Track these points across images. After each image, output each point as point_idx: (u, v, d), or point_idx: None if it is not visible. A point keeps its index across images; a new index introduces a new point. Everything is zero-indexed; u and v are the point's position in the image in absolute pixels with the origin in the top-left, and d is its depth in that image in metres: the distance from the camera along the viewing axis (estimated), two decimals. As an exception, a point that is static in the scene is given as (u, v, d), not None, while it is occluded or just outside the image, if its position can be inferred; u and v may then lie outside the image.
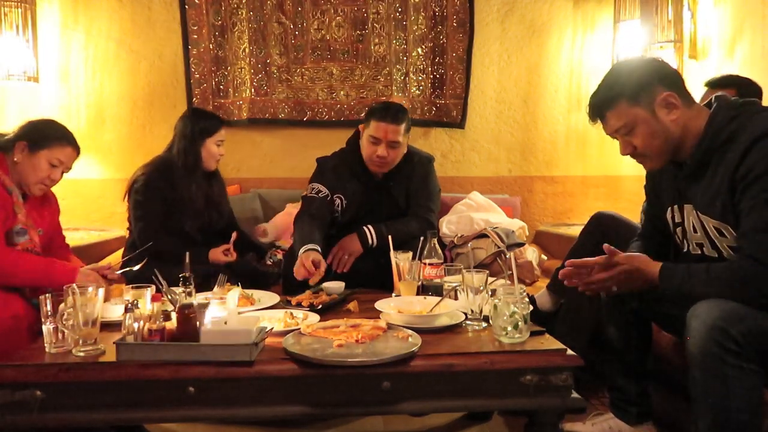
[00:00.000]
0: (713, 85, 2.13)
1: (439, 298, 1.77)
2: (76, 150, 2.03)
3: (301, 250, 2.10)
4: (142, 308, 1.46)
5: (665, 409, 1.86)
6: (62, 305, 1.43)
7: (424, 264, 1.96)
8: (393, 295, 1.98)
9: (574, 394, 1.43)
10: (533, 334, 1.54)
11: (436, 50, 3.37)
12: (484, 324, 1.63)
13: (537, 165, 3.50)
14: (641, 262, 1.53)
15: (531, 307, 1.53)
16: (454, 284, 1.84)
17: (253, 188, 3.23)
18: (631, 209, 2.59)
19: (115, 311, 1.68)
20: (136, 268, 2.02)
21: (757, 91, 2.10)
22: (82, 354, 1.42)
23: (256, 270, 2.45)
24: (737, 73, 2.27)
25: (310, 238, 2.15)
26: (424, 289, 1.94)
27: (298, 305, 1.87)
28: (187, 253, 1.60)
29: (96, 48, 3.25)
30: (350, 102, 3.35)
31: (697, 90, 1.96)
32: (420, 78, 3.38)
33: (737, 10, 2.74)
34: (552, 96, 3.46)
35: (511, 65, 3.44)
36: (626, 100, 1.49)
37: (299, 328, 1.57)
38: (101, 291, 1.46)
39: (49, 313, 1.47)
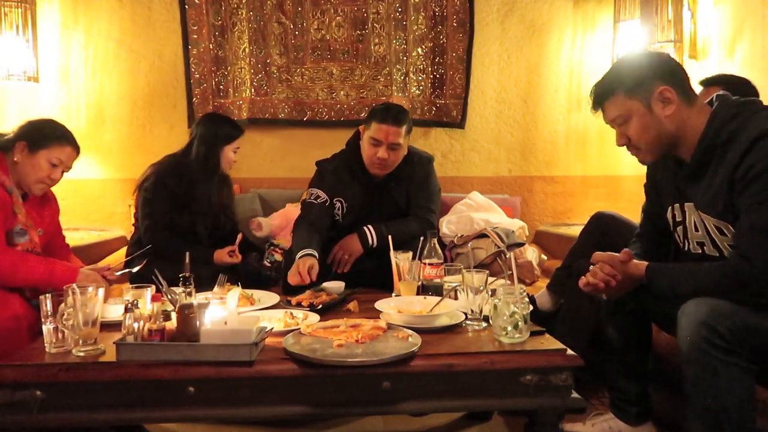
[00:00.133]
0: (705, 83, 2.13)
1: (439, 298, 1.77)
2: (76, 149, 2.03)
3: (298, 255, 2.10)
4: (142, 308, 1.46)
5: (665, 409, 1.86)
6: (62, 305, 1.43)
7: (424, 264, 1.96)
8: (393, 295, 1.98)
9: (574, 394, 1.43)
10: (533, 334, 1.54)
11: (436, 50, 3.37)
12: (484, 324, 1.63)
13: (537, 165, 3.50)
14: (630, 266, 1.56)
15: (531, 307, 1.53)
16: (454, 284, 1.84)
17: (253, 188, 3.23)
18: (631, 209, 2.59)
19: (115, 311, 1.68)
20: (136, 269, 2.03)
21: (752, 90, 2.09)
22: (82, 354, 1.42)
23: (256, 270, 2.46)
24: (737, 74, 2.27)
25: (308, 243, 2.15)
26: (424, 289, 1.94)
27: (298, 305, 1.87)
28: (187, 253, 1.61)
29: (96, 48, 3.25)
30: (350, 102, 3.35)
31: (695, 90, 1.96)
32: (420, 78, 3.38)
33: (737, 10, 2.74)
34: (552, 96, 3.46)
35: (511, 65, 3.44)
36: (624, 92, 1.52)
37: (299, 328, 1.57)
38: (101, 291, 1.46)
39: (49, 313, 1.47)
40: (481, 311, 1.64)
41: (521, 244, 2.71)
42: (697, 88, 2.18)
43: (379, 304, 1.74)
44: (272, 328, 1.55)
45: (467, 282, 1.64)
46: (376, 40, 3.33)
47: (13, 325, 1.68)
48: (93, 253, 2.71)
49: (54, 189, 2.09)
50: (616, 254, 1.57)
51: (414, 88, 3.38)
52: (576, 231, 2.35)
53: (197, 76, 3.29)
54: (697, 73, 2.91)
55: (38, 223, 2.00)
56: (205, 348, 1.38)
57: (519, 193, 3.46)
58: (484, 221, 2.86)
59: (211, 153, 2.40)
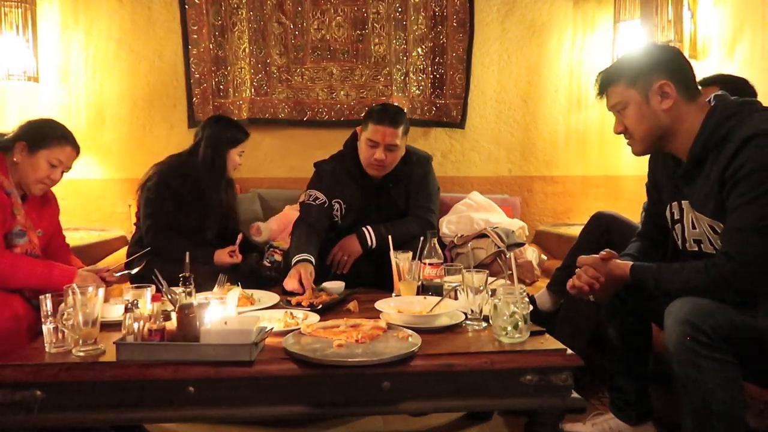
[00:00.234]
0: (703, 83, 2.13)
1: (439, 298, 1.77)
2: (76, 149, 2.03)
3: (294, 260, 2.10)
4: (142, 308, 1.46)
5: (665, 409, 1.86)
6: (62, 305, 1.43)
7: (424, 264, 1.96)
8: (393, 295, 1.97)
9: (574, 394, 1.43)
10: (533, 334, 1.54)
11: (436, 50, 3.37)
12: (484, 324, 1.63)
13: (537, 165, 3.50)
14: (613, 266, 1.59)
15: (531, 307, 1.53)
16: (454, 284, 1.84)
17: (253, 188, 3.23)
18: (631, 209, 2.59)
19: (115, 311, 1.68)
20: (135, 270, 2.03)
21: (750, 91, 2.09)
22: (82, 354, 1.42)
23: (257, 270, 2.46)
24: (737, 74, 2.27)
25: (305, 248, 2.15)
26: (424, 289, 1.94)
27: (298, 305, 1.87)
28: (187, 253, 1.61)
29: (96, 48, 3.25)
30: (350, 102, 3.35)
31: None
32: (420, 78, 3.38)
33: (737, 10, 2.74)
34: (552, 96, 3.46)
35: (511, 65, 3.44)
36: (625, 81, 1.55)
37: (299, 328, 1.57)
38: (101, 291, 1.46)
39: (49, 313, 1.47)
40: (481, 311, 1.64)
41: (521, 244, 2.71)
42: None
43: (379, 304, 1.74)
44: (272, 328, 1.55)
45: (467, 282, 1.63)
46: (376, 40, 3.33)
47: (13, 325, 1.68)
48: (93, 253, 2.71)
49: (54, 189, 2.08)
50: (596, 256, 1.61)
51: (414, 88, 3.38)
52: (576, 231, 2.35)
53: (197, 76, 3.29)
54: (697, 73, 2.91)
55: (38, 224, 1.99)
56: (205, 348, 1.38)
57: (519, 193, 3.46)
58: (484, 221, 2.86)
59: (218, 155, 2.41)
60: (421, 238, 2.00)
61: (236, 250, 2.36)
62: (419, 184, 2.41)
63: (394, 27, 3.31)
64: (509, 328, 1.49)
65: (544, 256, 2.78)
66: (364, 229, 2.29)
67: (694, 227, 1.56)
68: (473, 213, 2.96)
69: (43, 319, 1.48)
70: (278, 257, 2.55)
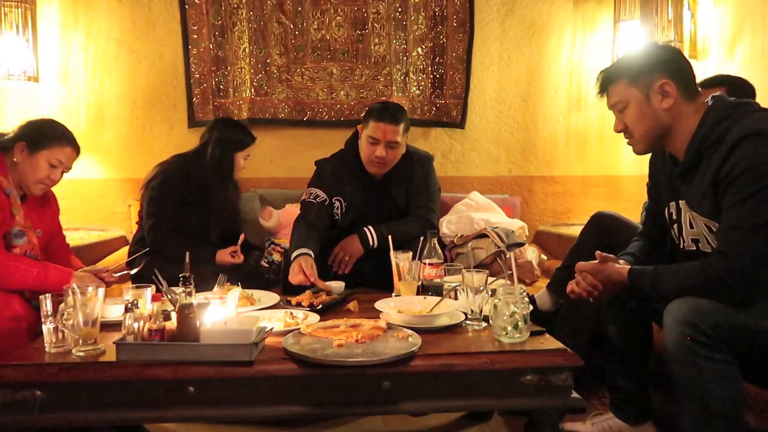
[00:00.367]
0: (704, 85, 2.13)
1: (439, 298, 1.77)
2: (76, 150, 2.03)
3: (294, 254, 2.10)
4: (142, 308, 1.46)
5: (665, 409, 1.86)
6: (62, 305, 1.43)
7: (424, 264, 1.96)
8: (393, 295, 1.98)
9: (574, 394, 1.43)
10: (533, 334, 1.54)
11: (436, 50, 3.37)
12: (484, 324, 1.63)
13: (537, 165, 3.50)
14: (611, 270, 1.59)
15: (531, 307, 1.54)
16: (454, 284, 1.84)
17: (253, 188, 3.23)
18: (631, 209, 2.59)
19: (115, 311, 1.68)
20: (134, 271, 2.03)
21: (749, 90, 2.10)
22: (82, 354, 1.42)
23: (257, 270, 2.46)
24: (737, 74, 2.27)
25: (305, 243, 2.16)
26: (424, 289, 1.94)
27: (298, 305, 1.87)
28: (187, 253, 1.61)
29: (96, 48, 3.25)
30: (350, 102, 3.35)
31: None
32: (420, 78, 3.38)
33: (737, 10, 2.74)
34: (552, 96, 3.46)
35: (511, 65, 3.43)
36: (626, 80, 1.56)
37: (299, 328, 1.57)
38: (101, 291, 1.46)
39: (49, 313, 1.47)
40: (481, 311, 1.64)
41: (521, 244, 2.71)
42: None
43: (379, 304, 1.74)
44: (272, 328, 1.55)
45: (467, 282, 1.64)
46: (376, 40, 3.33)
47: (13, 325, 1.68)
48: (93, 253, 2.71)
49: (54, 189, 2.08)
50: (595, 262, 1.62)
51: (414, 88, 3.37)
52: (576, 231, 2.35)
53: (197, 76, 3.29)
54: (697, 73, 2.91)
55: (37, 224, 1.99)
56: (205, 348, 1.38)
57: (519, 193, 3.46)
58: (484, 221, 2.86)
59: (225, 158, 2.43)
60: (421, 238, 2.00)
61: (238, 251, 2.36)
62: (420, 184, 2.41)
63: (394, 27, 3.31)
64: (509, 328, 1.49)
65: (544, 256, 2.78)
66: (365, 228, 2.29)
67: (691, 227, 1.57)
68: (473, 213, 2.96)
69: (43, 319, 1.48)
70: (278, 257, 2.55)
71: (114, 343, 1.41)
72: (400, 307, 1.75)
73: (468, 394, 1.42)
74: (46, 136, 1.95)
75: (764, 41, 2.58)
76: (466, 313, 1.67)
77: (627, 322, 1.78)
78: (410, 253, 1.98)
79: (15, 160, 1.91)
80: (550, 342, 1.51)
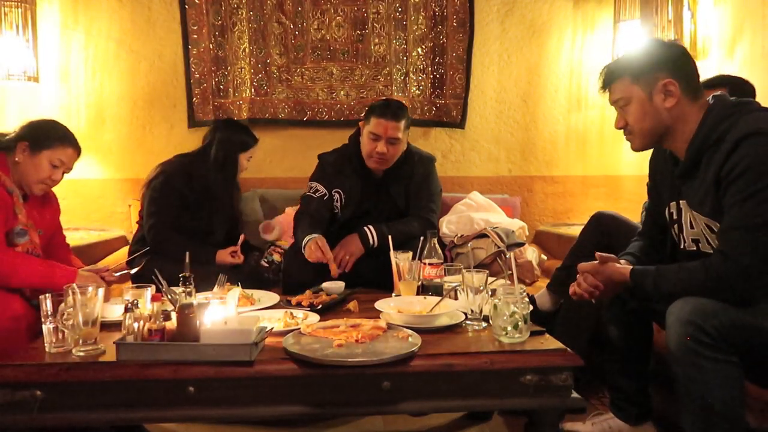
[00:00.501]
0: (705, 86, 2.13)
1: (439, 298, 1.77)
2: (77, 151, 2.03)
3: (305, 239, 2.13)
4: (142, 308, 1.46)
5: (665, 409, 1.86)
6: (62, 305, 1.43)
7: (424, 264, 1.96)
8: (393, 295, 1.98)
9: (574, 394, 1.43)
10: (533, 334, 1.54)
11: (436, 50, 3.37)
12: (484, 324, 1.63)
13: (537, 165, 3.50)
14: (612, 271, 1.59)
15: (531, 307, 1.53)
16: (454, 284, 1.84)
17: (253, 188, 3.23)
18: (631, 209, 2.59)
19: (115, 311, 1.68)
20: (134, 270, 2.03)
21: (749, 90, 2.10)
22: (82, 354, 1.42)
23: (257, 270, 2.46)
24: (737, 74, 2.27)
25: (313, 231, 2.19)
26: (424, 289, 1.94)
27: (298, 305, 1.87)
28: (187, 253, 1.61)
29: (96, 48, 3.25)
30: (350, 102, 3.35)
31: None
32: (420, 78, 3.38)
33: (737, 10, 2.74)
34: (552, 96, 3.46)
35: (511, 65, 3.43)
36: (630, 77, 1.55)
37: (299, 328, 1.57)
38: (101, 291, 1.46)
39: (49, 313, 1.47)
40: (481, 311, 1.64)
41: (521, 244, 2.71)
42: None
43: (379, 304, 1.74)
44: (272, 328, 1.55)
45: (467, 282, 1.63)
46: (376, 40, 3.33)
47: (13, 325, 1.68)
48: (93, 253, 2.71)
49: (54, 189, 2.09)
50: (596, 262, 1.62)
51: (414, 88, 3.37)
52: (576, 231, 2.35)
53: (197, 76, 3.29)
54: (697, 73, 2.91)
55: (38, 223, 2.00)
56: (205, 348, 1.38)
57: (519, 193, 3.46)
58: (484, 221, 2.85)
59: (229, 159, 2.43)
60: (421, 238, 2.00)
61: (238, 251, 2.37)
62: (421, 184, 2.42)
63: (394, 27, 3.31)
64: (509, 328, 1.49)
65: (544, 256, 2.78)
66: (365, 228, 2.30)
67: (692, 227, 1.57)
68: (473, 213, 2.96)
69: (43, 319, 1.48)
70: (277, 257, 2.55)
71: (114, 343, 1.41)
72: (400, 307, 1.75)
73: (468, 394, 1.43)
74: (49, 137, 1.96)
75: (764, 41, 2.58)
76: (466, 313, 1.67)
77: (627, 323, 1.78)
78: (410, 253, 1.98)
79: (17, 159, 1.91)
80: (550, 342, 1.51)
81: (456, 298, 1.81)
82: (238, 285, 1.97)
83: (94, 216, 3.28)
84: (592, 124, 3.46)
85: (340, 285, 2.06)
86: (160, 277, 1.59)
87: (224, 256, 2.34)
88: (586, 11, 3.41)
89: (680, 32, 2.90)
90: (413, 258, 1.98)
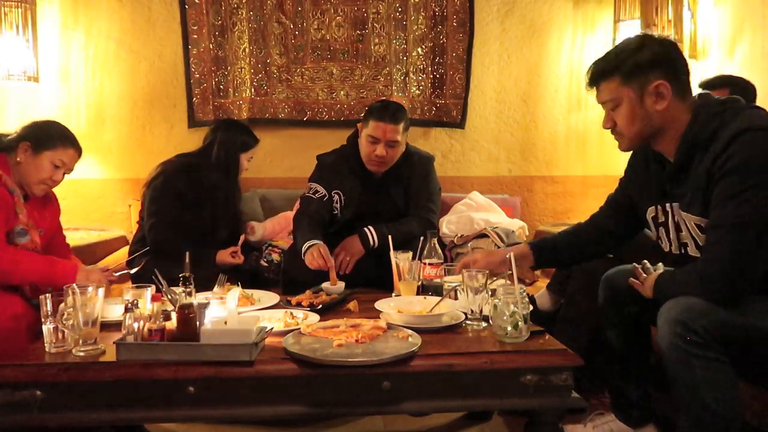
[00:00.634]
0: (707, 86, 2.13)
1: (439, 298, 1.77)
2: (78, 151, 2.03)
3: (306, 246, 2.11)
4: (142, 308, 1.46)
5: (666, 411, 1.86)
6: (62, 305, 1.43)
7: (424, 264, 1.96)
8: (393, 295, 1.97)
9: (574, 394, 1.43)
10: (533, 334, 1.54)
11: (436, 50, 3.37)
12: (484, 324, 1.63)
13: (537, 165, 3.50)
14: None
15: (531, 307, 1.53)
16: (454, 284, 1.84)
17: (253, 188, 3.23)
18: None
19: (115, 311, 1.68)
20: (134, 270, 2.03)
21: (752, 90, 2.10)
22: (82, 354, 1.42)
23: (257, 270, 2.47)
24: (737, 74, 2.28)
25: (313, 235, 2.17)
26: (424, 289, 1.94)
27: (298, 305, 1.87)
28: (187, 253, 1.61)
29: (96, 48, 3.25)
30: (350, 102, 3.35)
31: (694, 90, 1.96)
32: (420, 78, 3.38)
33: (737, 10, 2.75)
34: (552, 96, 3.46)
35: (511, 65, 3.44)
36: (620, 78, 1.50)
37: (299, 328, 1.57)
38: (101, 291, 1.46)
39: (49, 313, 1.47)
40: (481, 311, 1.64)
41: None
42: (697, 91, 2.18)
43: (379, 304, 1.74)
44: (272, 328, 1.55)
45: (467, 282, 1.64)
46: (376, 40, 3.33)
47: (13, 325, 1.68)
48: (93, 253, 2.71)
49: (54, 189, 2.09)
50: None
51: (414, 88, 3.37)
52: (576, 231, 2.34)
53: (197, 76, 3.29)
54: (697, 73, 2.92)
55: (39, 223, 2.00)
56: (205, 348, 1.38)
57: (519, 193, 3.46)
58: (484, 221, 2.86)
59: (231, 159, 2.43)
60: (421, 238, 2.00)
61: (238, 251, 2.36)
62: (420, 184, 2.41)
63: (394, 27, 3.31)
64: (509, 328, 1.49)
65: (544, 256, 2.77)
66: (365, 229, 2.29)
67: (680, 230, 1.55)
68: (473, 213, 2.96)
69: (43, 319, 1.48)
70: (276, 257, 2.55)
71: (114, 343, 1.41)
72: (400, 307, 1.75)
73: (468, 394, 1.43)
74: (51, 137, 1.96)
75: (764, 41, 2.58)
76: (466, 313, 1.67)
77: (626, 326, 1.77)
78: (410, 253, 1.98)
79: (18, 159, 1.91)
80: (550, 342, 1.52)
81: (456, 298, 1.81)
82: (238, 285, 1.97)
83: (94, 216, 3.28)
84: (592, 124, 3.46)
85: (340, 285, 2.06)
86: (160, 277, 1.59)
87: (224, 256, 2.34)
88: (586, 11, 3.41)
89: (680, 32, 2.90)
90: (413, 258, 1.98)
